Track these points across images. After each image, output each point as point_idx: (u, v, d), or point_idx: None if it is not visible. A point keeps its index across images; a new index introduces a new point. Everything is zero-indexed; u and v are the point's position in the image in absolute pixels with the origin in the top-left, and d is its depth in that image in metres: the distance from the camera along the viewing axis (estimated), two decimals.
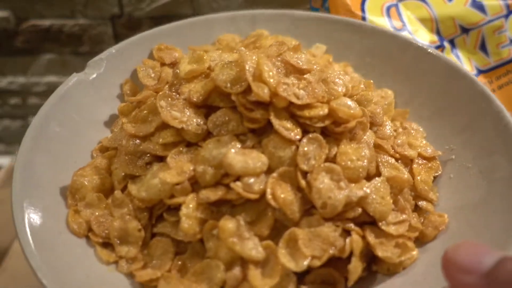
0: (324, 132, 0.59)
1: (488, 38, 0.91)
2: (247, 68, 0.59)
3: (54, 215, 0.59)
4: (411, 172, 0.64)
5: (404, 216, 0.57)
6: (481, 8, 0.89)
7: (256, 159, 0.56)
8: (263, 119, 0.58)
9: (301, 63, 0.63)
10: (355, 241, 0.54)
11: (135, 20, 1.25)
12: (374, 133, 0.65)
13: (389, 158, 0.62)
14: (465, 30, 0.92)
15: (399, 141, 0.65)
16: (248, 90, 0.59)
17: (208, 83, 0.62)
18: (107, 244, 0.58)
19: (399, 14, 0.92)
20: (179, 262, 0.56)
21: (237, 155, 0.56)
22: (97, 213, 0.59)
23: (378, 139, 0.63)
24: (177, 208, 0.59)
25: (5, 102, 1.44)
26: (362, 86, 0.66)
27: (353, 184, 0.56)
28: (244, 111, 0.58)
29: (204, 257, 0.56)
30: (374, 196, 0.56)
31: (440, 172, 0.67)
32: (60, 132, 0.69)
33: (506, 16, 0.89)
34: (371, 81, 0.67)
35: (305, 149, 0.56)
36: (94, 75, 0.76)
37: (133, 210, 0.59)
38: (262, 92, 0.57)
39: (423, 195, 0.62)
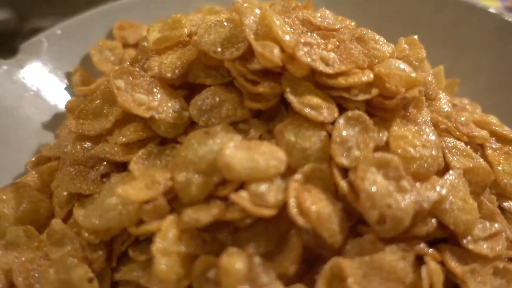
0: (366, 110, 0.39)
1: None
2: (246, 22, 0.39)
3: None
4: (485, 160, 0.44)
5: (496, 225, 0.38)
6: None
7: (268, 155, 0.36)
8: (274, 94, 0.39)
9: (328, 22, 0.44)
10: (434, 272, 0.34)
11: None
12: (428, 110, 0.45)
13: (457, 141, 0.43)
14: None
15: (462, 119, 0.46)
16: (248, 54, 0.40)
17: (187, 51, 0.42)
18: None
19: None
20: None
21: (238, 151, 0.36)
22: (23, 258, 0.38)
23: (438, 116, 0.44)
24: (149, 239, 0.38)
25: None
26: (404, 45, 0.47)
27: (419, 183, 0.36)
28: (245, 84, 0.38)
29: None
30: (452, 199, 0.36)
31: None
32: None
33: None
34: (415, 36, 0.48)
35: (343, 133, 0.37)
36: (30, 63, 0.56)
37: (81, 248, 0.38)
38: (270, 54, 0.37)
39: (509, 192, 0.43)
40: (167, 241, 0.34)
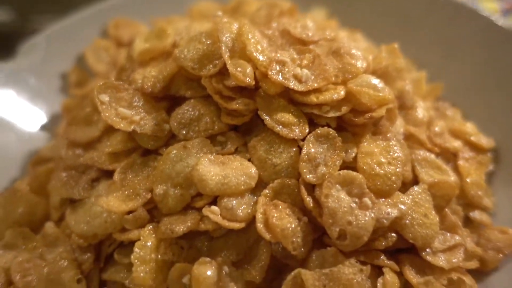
0: (339, 124, 0.41)
1: None
2: (223, 39, 0.41)
3: None
4: (456, 170, 0.46)
5: (456, 238, 0.40)
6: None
7: (239, 171, 0.38)
8: (249, 110, 0.41)
9: (307, 34, 0.45)
10: (390, 284, 0.36)
11: None
12: (403, 120, 0.47)
13: (427, 153, 0.44)
14: None
15: (436, 129, 0.47)
16: (225, 71, 0.41)
17: (168, 65, 0.44)
18: None
19: None
20: None
21: (212, 166, 0.39)
22: (20, 258, 0.42)
23: (411, 128, 0.45)
24: (132, 243, 0.41)
25: None
26: (384, 54, 0.48)
27: (383, 200, 0.39)
28: (220, 101, 0.40)
29: None
30: (414, 215, 0.39)
31: (491, 168, 0.49)
32: None
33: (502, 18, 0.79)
34: (395, 44, 0.49)
35: (312, 151, 0.39)
36: (29, 64, 0.58)
37: (72, 250, 0.41)
38: (242, 74, 0.39)
39: (476, 203, 0.45)
40: (145, 250, 0.37)
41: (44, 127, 0.57)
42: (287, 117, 0.40)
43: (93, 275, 0.42)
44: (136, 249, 0.37)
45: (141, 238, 0.38)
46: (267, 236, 0.36)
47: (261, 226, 0.36)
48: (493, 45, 0.56)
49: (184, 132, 0.42)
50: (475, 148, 0.48)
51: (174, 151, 0.40)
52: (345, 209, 0.37)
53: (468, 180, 0.45)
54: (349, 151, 0.40)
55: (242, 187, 0.38)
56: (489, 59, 0.56)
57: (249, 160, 0.40)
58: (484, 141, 0.49)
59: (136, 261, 0.37)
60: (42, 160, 0.53)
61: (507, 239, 0.41)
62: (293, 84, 0.40)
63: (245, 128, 0.43)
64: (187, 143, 0.40)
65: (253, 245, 0.39)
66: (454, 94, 0.58)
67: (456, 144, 0.47)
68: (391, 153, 0.40)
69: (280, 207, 0.38)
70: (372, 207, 0.37)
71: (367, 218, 0.36)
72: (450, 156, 0.47)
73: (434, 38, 0.61)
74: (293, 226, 0.37)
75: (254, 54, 0.39)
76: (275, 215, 0.37)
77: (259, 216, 0.37)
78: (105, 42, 0.63)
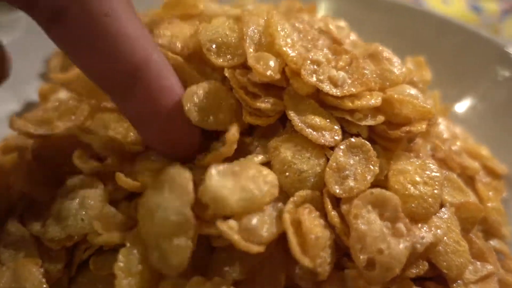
0: (368, 136, 0.37)
1: None
2: (248, 33, 0.36)
3: None
4: (475, 194, 0.44)
5: (488, 267, 0.37)
6: (477, 10, 0.85)
7: (259, 179, 0.32)
8: (276, 111, 0.36)
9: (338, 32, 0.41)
10: None
11: None
12: None
13: (449, 172, 0.41)
14: None
15: (455, 148, 0.45)
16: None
17: (194, 36, 0.38)
18: None
19: None
20: None
21: (225, 179, 0.31)
22: None
23: (438, 143, 0.42)
24: (114, 249, 0.33)
25: None
26: (409, 66, 0.45)
27: (415, 223, 0.35)
28: (245, 98, 0.35)
29: None
30: (447, 241, 0.35)
31: (504, 195, 0.47)
32: None
33: (502, 19, 0.85)
34: (421, 58, 0.46)
35: (341, 160, 0.34)
36: (5, 41, 0.50)
37: (38, 253, 0.34)
38: (263, 69, 0.34)
39: (495, 230, 0.42)
40: (131, 258, 0.30)
41: (18, 115, 0.49)
42: (318, 120, 0.35)
43: (60, 286, 0.34)
44: (120, 257, 0.30)
45: (127, 244, 0.31)
46: (305, 261, 0.30)
47: (297, 248, 0.30)
48: (502, 71, 0.56)
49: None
50: (491, 173, 0.46)
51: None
52: (377, 234, 0.32)
53: (489, 205, 0.42)
54: (382, 168, 0.36)
55: (267, 198, 0.32)
56: (497, 86, 0.56)
57: (268, 163, 0.34)
58: (499, 167, 0.47)
59: (120, 272, 0.30)
60: (8, 149, 0.45)
61: None
62: (328, 88, 0.35)
63: (264, 130, 0.38)
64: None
65: (258, 265, 0.33)
66: (462, 118, 0.57)
67: (476, 165, 0.44)
68: (427, 172, 0.36)
69: (313, 215, 0.33)
70: (406, 235, 0.33)
71: (400, 248, 0.32)
72: (467, 179, 0.45)
73: (443, 60, 0.60)
74: (325, 236, 0.32)
75: (284, 48, 0.35)
76: (309, 220, 0.31)
77: (287, 216, 0.31)
78: None
